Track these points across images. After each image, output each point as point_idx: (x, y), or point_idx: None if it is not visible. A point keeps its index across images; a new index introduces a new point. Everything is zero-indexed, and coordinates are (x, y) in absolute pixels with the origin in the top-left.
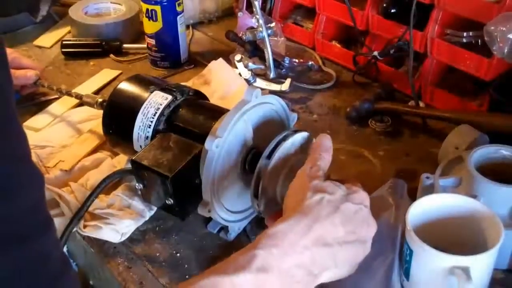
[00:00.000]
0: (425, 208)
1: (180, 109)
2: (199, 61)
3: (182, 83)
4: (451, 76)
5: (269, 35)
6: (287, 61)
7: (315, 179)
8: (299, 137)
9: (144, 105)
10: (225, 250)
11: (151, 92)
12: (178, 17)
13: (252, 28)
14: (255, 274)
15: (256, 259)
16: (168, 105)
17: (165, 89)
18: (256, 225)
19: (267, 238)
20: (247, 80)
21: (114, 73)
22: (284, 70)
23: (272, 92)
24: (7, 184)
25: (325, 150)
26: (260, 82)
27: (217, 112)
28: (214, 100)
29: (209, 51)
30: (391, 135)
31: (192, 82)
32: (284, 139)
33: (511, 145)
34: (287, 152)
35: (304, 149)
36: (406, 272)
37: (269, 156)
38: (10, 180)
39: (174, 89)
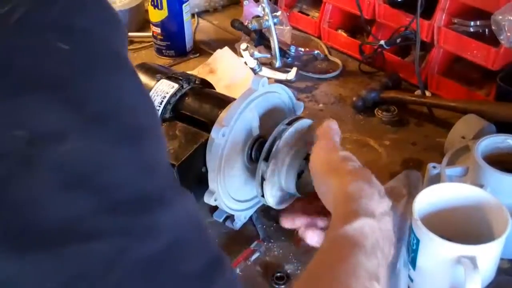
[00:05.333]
0: (431, 197)
1: (187, 98)
2: (204, 49)
3: (188, 72)
4: (457, 65)
5: (275, 24)
6: (293, 50)
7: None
8: (305, 124)
9: (151, 93)
10: (231, 239)
11: (158, 81)
12: (184, 5)
13: (257, 16)
14: (369, 219)
15: (359, 207)
16: (174, 94)
17: (171, 77)
18: (263, 214)
19: (350, 196)
20: (252, 69)
21: None
22: (290, 59)
23: (278, 81)
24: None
25: (335, 133)
26: (265, 71)
27: (224, 101)
28: (219, 88)
29: (215, 39)
30: (397, 125)
31: (198, 71)
32: (290, 123)
33: None
34: (293, 137)
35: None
36: (412, 262)
37: (276, 139)
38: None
39: (181, 78)
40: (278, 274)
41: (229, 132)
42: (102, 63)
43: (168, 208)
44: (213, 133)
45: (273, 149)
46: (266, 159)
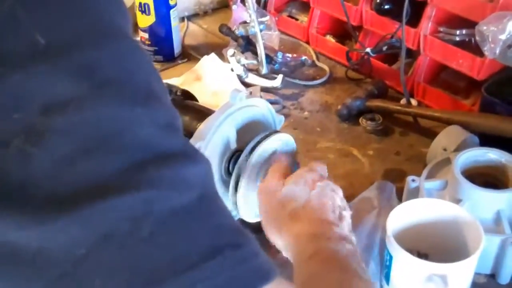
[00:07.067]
0: (407, 213)
1: None
2: (192, 55)
3: (173, 79)
4: (444, 74)
5: (261, 30)
6: (280, 56)
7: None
8: (281, 137)
9: None
10: None
11: None
12: (171, 10)
13: (245, 22)
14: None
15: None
16: None
17: None
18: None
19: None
20: (239, 76)
21: None
22: (277, 65)
23: (264, 88)
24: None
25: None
26: (252, 78)
27: (203, 114)
28: (206, 95)
29: (203, 44)
30: (381, 134)
31: (185, 77)
32: (266, 137)
33: (501, 146)
34: (267, 151)
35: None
36: (386, 277)
37: (251, 152)
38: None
39: None
40: None
41: (206, 145)
42: (108, 33)
43: (193, 164)
44: None
45: (238, 185)
46: (235, 191)
